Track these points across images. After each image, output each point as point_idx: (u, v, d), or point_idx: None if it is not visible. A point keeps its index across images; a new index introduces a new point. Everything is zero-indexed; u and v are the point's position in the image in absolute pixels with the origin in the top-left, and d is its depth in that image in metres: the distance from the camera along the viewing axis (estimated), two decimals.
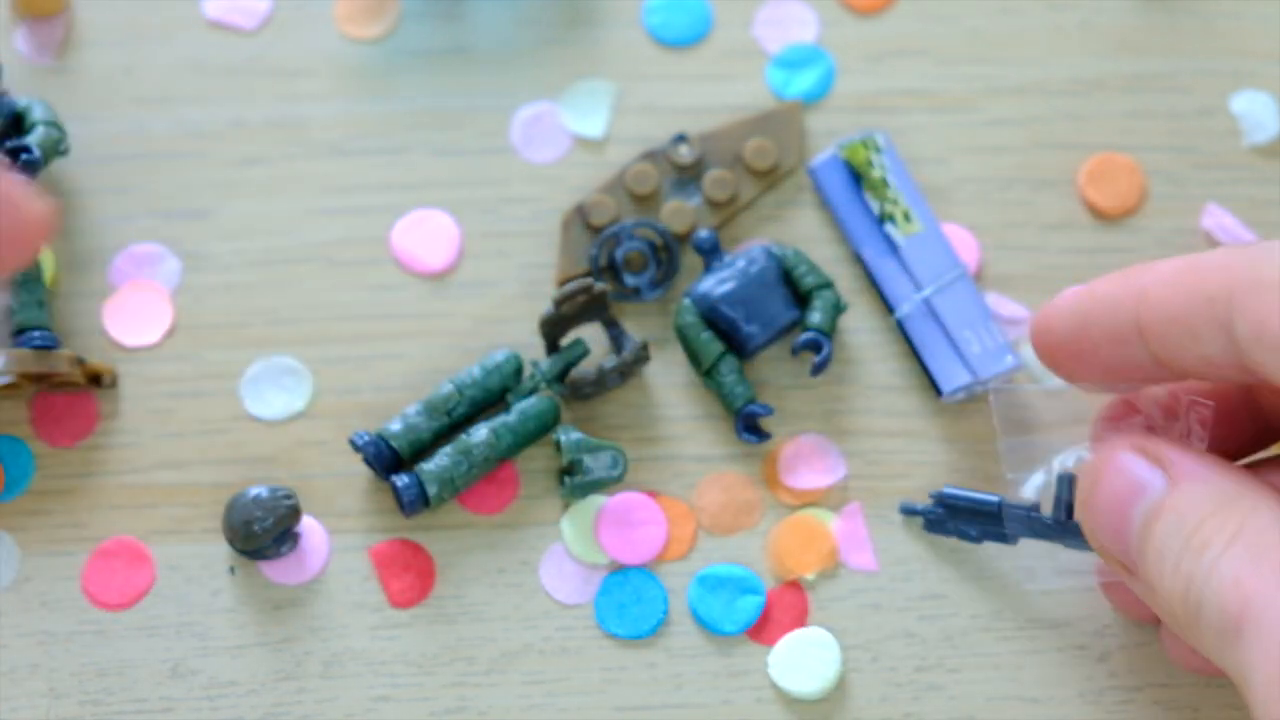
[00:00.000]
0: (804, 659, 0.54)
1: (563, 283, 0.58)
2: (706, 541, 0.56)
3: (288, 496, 0.54)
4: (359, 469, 0.56)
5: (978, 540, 0.54)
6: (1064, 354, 0.47)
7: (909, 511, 0.55)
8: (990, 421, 0.57)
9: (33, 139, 0.57)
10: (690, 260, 0.59)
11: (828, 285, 0.57)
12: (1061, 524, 0.50)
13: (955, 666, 0.54)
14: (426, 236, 0.59)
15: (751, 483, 0.56)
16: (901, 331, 0.57)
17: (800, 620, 0.55)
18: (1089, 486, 0.45)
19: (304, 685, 0.54)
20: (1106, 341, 0.44)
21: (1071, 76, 0.61)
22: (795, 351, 0.56)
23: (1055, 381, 0.49)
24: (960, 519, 0.54)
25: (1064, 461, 0.50)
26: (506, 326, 0.58)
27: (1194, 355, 0.41)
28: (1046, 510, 0.50)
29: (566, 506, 0.56)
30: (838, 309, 0.57)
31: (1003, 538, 0.54)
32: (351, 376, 0.57)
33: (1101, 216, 0.60)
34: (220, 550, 0.55)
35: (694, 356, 0.56)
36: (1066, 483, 0.49)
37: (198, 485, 0.56)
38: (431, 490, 0.54)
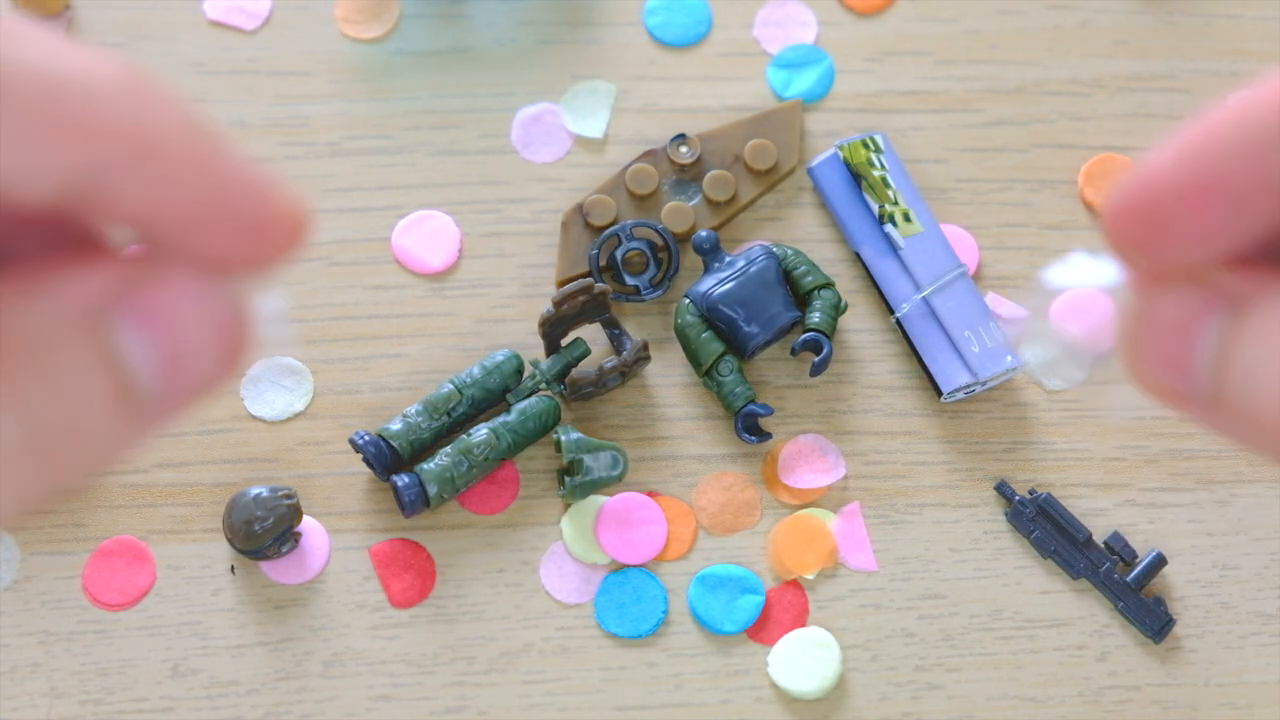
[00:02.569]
0: (804, 658, 0.54)
1: (563, 283, 0.58)
2: (706, 541, 0.56)
3: (288, 496, 0.54)
4: (359, 469, 0.56)
5: (1044, 554, 0.55)
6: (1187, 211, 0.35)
7: (1002, 490, 0.56)
8: (990, 422, 0.57)
9: None
10: (690, 260, 0.59)
11: (828, 285, 0.57)
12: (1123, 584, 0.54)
13: (955, 666, 0.54)
14: (426, 236, 0.59)
15: (751, 483, 0.56)
16: (901, 331, 0.57)
17: (800, 620, 0.55)
18: (1135, 318, 0.37)
19: (304, 684, 0.54)
20: (1247, 165, 0.35)
21: (1071, 76, 0.61)
22: (795, 351, 0.56)
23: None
24: (1044, 526, 0.55)
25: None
26: (506, 326, 0.58)
27: None
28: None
29: (566, 506, 0.56)
30: (838, 309, 0.57)
31: (1070, 567, 0.55)
32: (351, 376, 0.57)
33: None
34: (221, 550, 0.55)
35: (694, 356, 0.56)
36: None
37: (198, 485, 0.56)
38: (432, 490, 0.54)
